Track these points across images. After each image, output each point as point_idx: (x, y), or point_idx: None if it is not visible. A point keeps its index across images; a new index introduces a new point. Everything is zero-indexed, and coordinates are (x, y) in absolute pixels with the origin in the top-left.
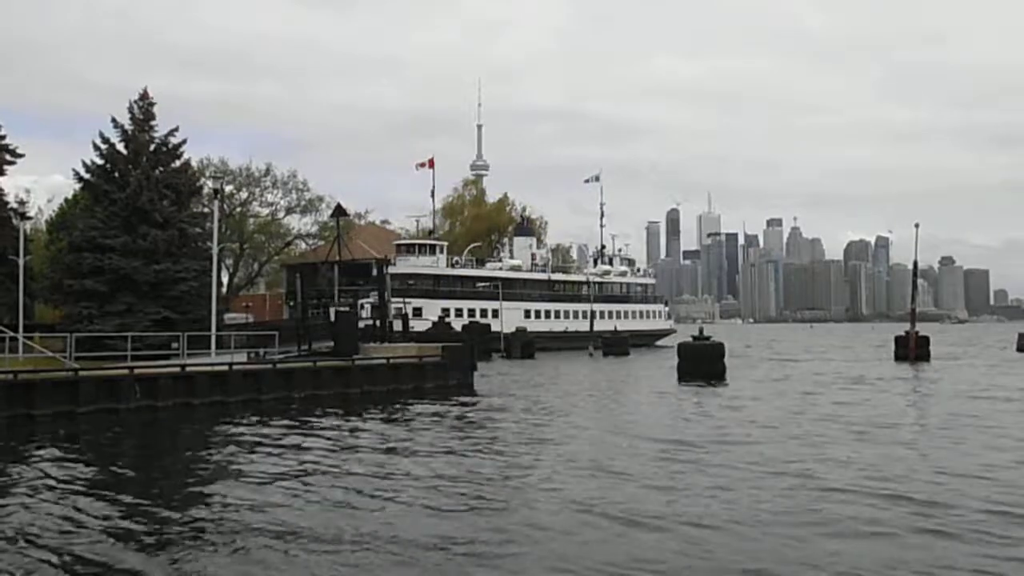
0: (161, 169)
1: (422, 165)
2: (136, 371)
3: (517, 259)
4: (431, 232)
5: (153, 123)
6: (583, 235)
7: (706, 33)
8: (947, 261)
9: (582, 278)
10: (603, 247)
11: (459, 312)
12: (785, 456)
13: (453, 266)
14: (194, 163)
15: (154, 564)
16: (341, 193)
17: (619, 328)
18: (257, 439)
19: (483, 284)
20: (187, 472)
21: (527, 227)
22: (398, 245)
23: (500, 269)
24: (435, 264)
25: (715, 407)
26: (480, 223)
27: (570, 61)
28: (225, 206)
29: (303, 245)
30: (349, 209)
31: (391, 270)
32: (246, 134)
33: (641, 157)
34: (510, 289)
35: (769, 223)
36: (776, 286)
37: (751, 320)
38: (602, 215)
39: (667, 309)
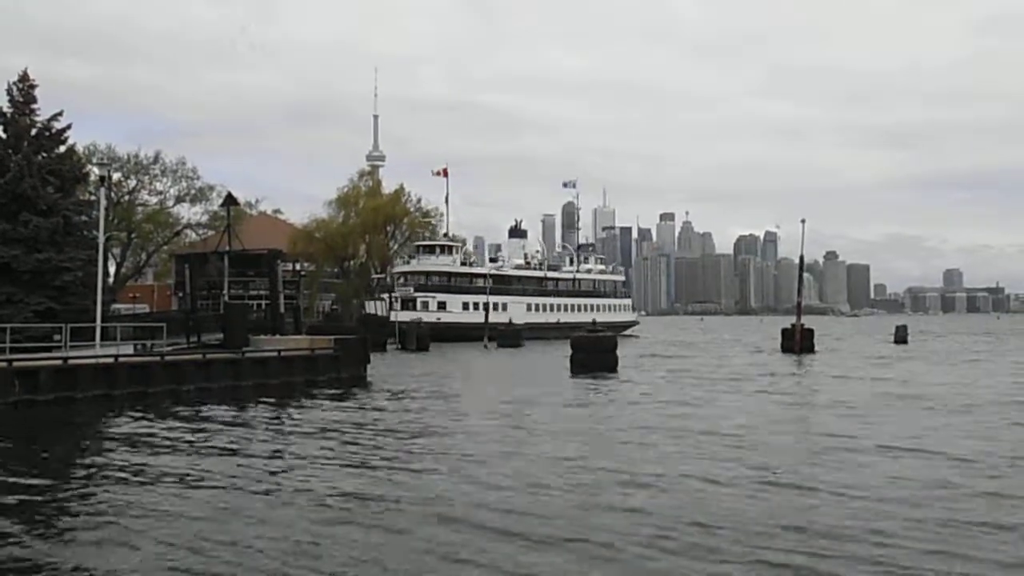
0: (44, 155)
1: (438, 173)
2: (15, 364)
3: (517, 259)
4: (445, 234)
5: (35, 107)
6: (478, 226)
7: (590, 26)
8: (831, 256)
9: (569, 276)
10: (579, 247)
11: (476, 306)
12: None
13: (471, 265)
14: (80, 149)
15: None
16: (231, 181)
17: (597, 320)
18: (141, 435)
19: (480, 280)
20: (63, 470)
21: (520, 230)
22: (418, 245)
23: (501, 268)
24: (452, 263)
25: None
26: (377, 214)
27: (459, 52)
28: (112, 194)
29: (193, 235)
30: (240, 198)
31: (409, 267)
32: (128, 119)
33: (536, 148)
34: (511, 285)
35: (662, 217)
36: (668, 279)
37: (643, 312)
38: (577, 219)
39: (631, 303)
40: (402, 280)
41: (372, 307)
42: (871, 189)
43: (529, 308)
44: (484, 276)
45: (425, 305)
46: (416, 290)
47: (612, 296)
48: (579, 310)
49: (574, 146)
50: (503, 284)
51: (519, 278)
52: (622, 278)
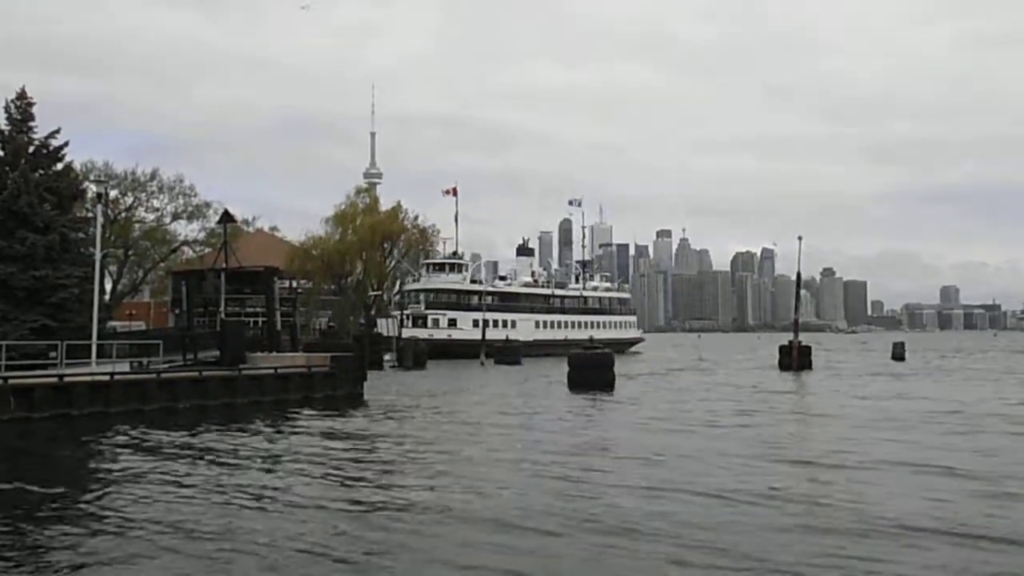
0: (41, 172)
1: (447, 192)
2: (10, 381)
3: (524, 276)
4: (454, 252)
5: (32, 124)
6: (472, 243)
7: (584, 41)
8: (828, 272)
9: (576, 293)
10: (584, 265)
11: (485, 323)
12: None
13: (480, 283)
14: (77, 166)
15: None
16: (228, 198)
17: (605, 337)
18: (136, 453)
19: (490, 298)
20: (57, 488)
21: (527, 248)
22: (428, 263)
23: (510, 285)
24: (463, 281)
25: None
26: (374, 232)
27: (450, 67)
28: (109, 211)
29: (190, 252)
30: (237, 215)
31: (419, 285)
32: (126, 135)
33: (528, 164)
34: (519, 303)
35: (659, 234)
36: (666, 296)
37: (641, 330)
38: (583, 235)
39: (636, 319)
40: (399, 297)
41: (383, 325)
42: (869, 204)
43: (537, 325)
44: (492, 294)
45: (436, 322)
46: (426, 307)
47: (618, 313)
48: (586, 327)
49: (570, 159)
50: (511, 301)
51: (527, 295)
52: (627, 295)
